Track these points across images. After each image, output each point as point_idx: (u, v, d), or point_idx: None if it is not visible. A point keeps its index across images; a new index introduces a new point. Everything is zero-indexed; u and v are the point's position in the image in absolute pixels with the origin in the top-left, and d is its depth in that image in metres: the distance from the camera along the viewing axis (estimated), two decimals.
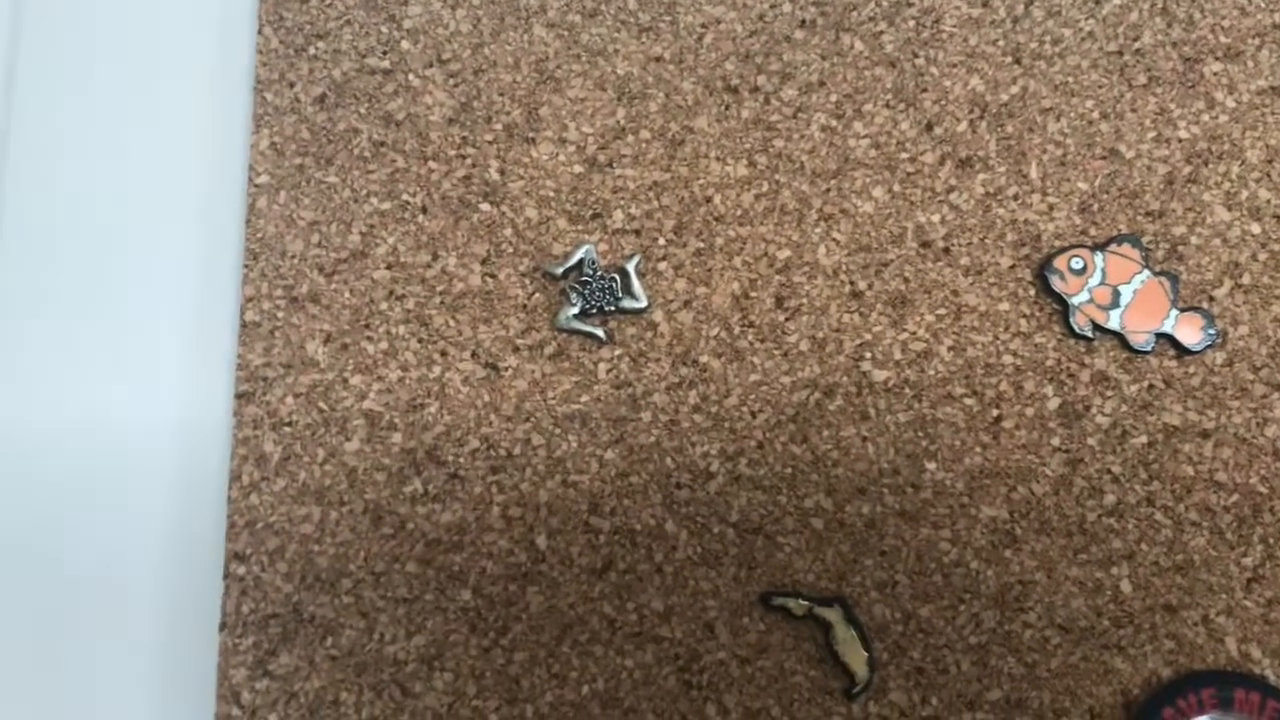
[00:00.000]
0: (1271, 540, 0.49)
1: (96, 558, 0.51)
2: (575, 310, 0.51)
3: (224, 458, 0.51)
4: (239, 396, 0.51)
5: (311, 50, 0.55)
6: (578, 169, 0.53)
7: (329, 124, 0.54)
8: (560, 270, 0.52)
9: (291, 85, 0.54)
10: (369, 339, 0.52)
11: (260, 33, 0.55)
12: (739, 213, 0.53)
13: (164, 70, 0.55)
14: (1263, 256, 0.52)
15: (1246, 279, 0.51)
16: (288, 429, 0.51)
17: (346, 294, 0.52)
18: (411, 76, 0.54)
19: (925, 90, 0.54)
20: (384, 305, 0.52)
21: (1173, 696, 0.47)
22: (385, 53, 0.55)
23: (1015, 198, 0.53)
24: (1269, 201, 0.52)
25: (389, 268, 0.53)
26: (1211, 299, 0.51)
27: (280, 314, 0.52)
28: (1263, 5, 0.54)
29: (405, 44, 0.55)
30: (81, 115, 0.55)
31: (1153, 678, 0.48)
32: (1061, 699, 0.48)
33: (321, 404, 0.51)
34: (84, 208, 0.54)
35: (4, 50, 0.55)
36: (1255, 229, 0.52)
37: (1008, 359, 0.51)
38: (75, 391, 0.52)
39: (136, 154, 0.55)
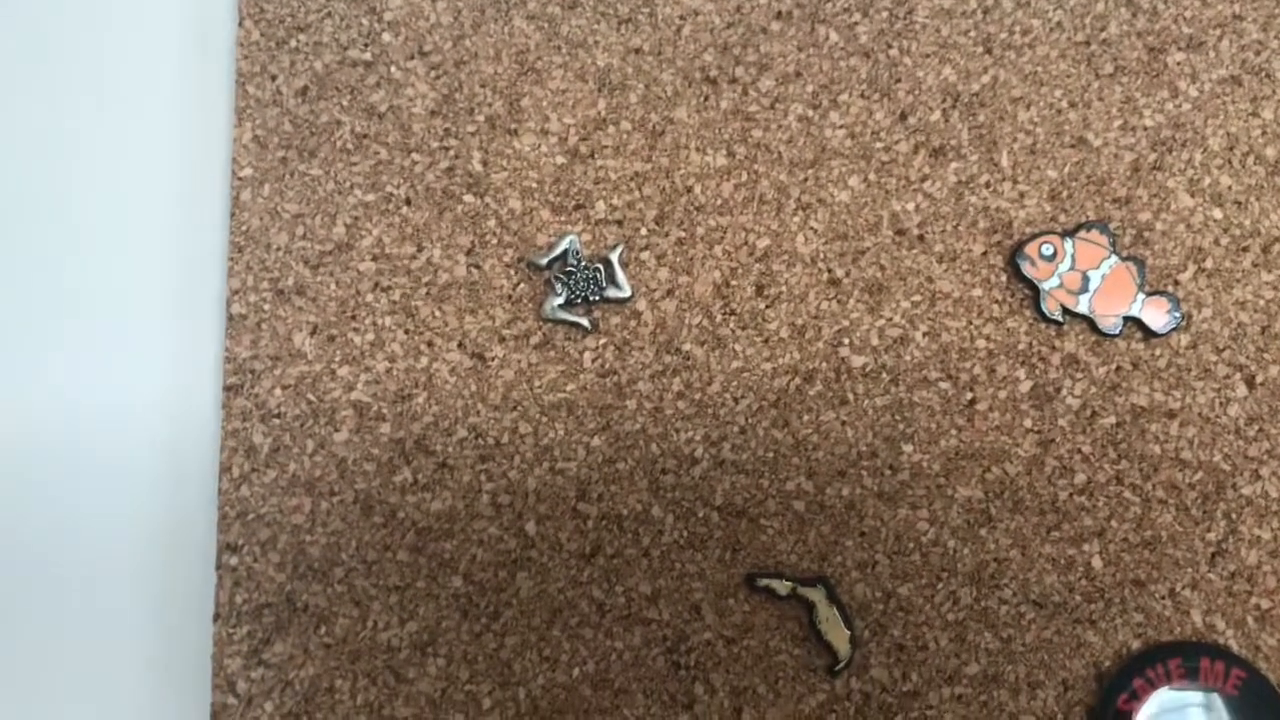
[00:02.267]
0: (1234, 516, 0.51)
1: (89, 551, 0.52)
2: (560, 300, 0.52)
3: (213, 450, 0.52)
4: (227, 389, 0.52)
5: (293, 43, 0.55)
6: (560, 160, 0.54)
7: (311, 116, 0.54)
8: (545, 261, 0.52)
9: (273, 78, 0.55)
10: (355, 330, 0.53)
11: (241, 25, 0.55)
12: (719, 202, 0.54)
13: (145, 64, 0.55)
14: (1225, 241, 0.53)
15: (1209, 263, 0.53)
16: (276, 420, 0.52)
17: (332, 286, 0.53)
18: (393, 69, 0.55)
19: (899, 80, 0.55)
20: (370, 297, 0.53)
21: (1142, 667, 0.49)
22: (367, 45, 0.55)
23: (987, 186, 0.54)
24: (1230, 188, 0.54)
25: (374, 259, 0.53)
26: (1176, 283, 0.53)
27: (266, 306, 0.53)
28: None
29: (386, 36, 0.55)
30: (63, 110, 0.55)
31: (1123, 650, 0.50)
32: (1036, 672, 0.50)
33: (310, 395, 0.52)
34: (67, 202, 0.54)
35: None
36: (1217, 214, 0.54)
37: (981, 343, 0.53)
38: (63, 386, 0.53)
39: (119, 148, 0.55)
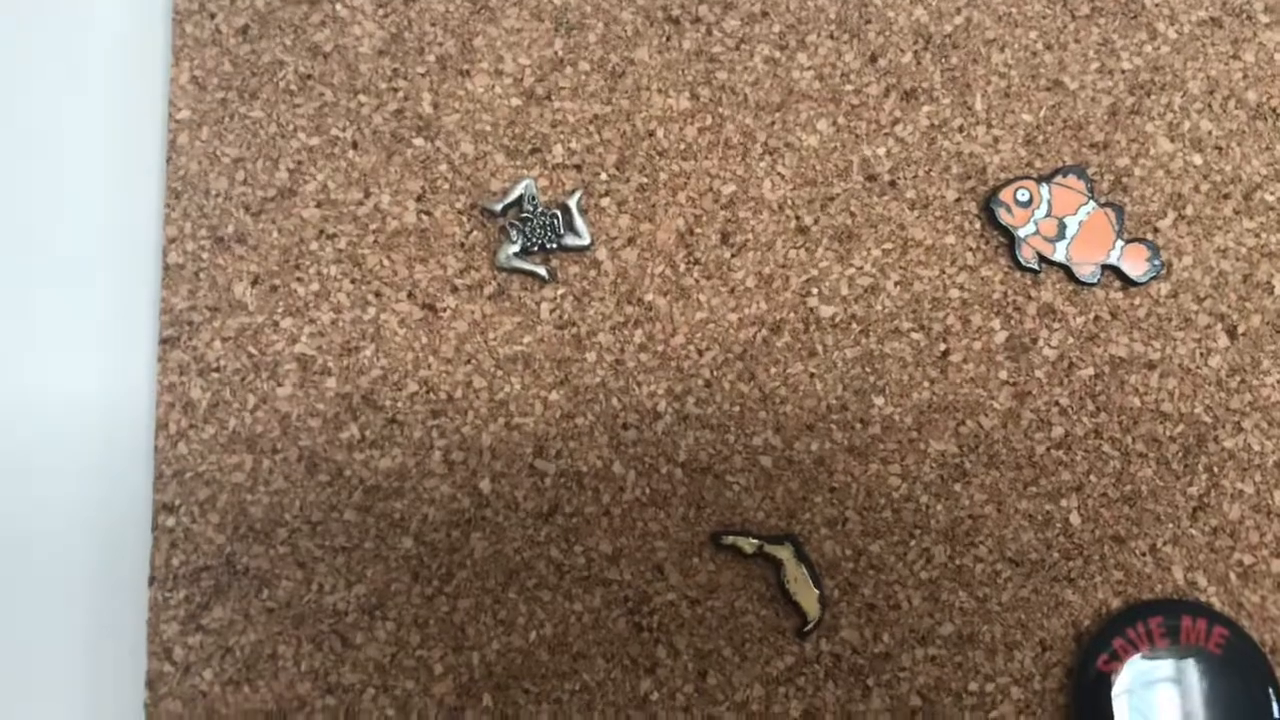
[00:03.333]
0: (1216, 469, 0.49)
1: (17, 512, 0.49)
2: (516, 248, 0.50)
3: (149, 405, 0.49)
4: (163, 342, 0.49)
5: None
6: (515, 102, 0.52)
7: (252, 56, 0.51)
8: (499, 207, 0.50)
9: (212, 16, 0.52)
10: (299, 280, 0.50)
11: None
12: (682, 147, 0.51)
13: (76, 3, 0.52)
14: (1205, 188, 0.51)
15: (1190, 210, 0.51)
16: (215, 375, 0.49)
17: (274, 233, 0.50)
18: (339, 6, 0.52)
19: (869, 21, 0.53)
20: (314, 245, 0.50)
21: (1122, 627, 0.48)
22: None
23: (960, 130, 0.52)
24: (1210, 133, 0.52)
25: (319, 206, 0.50)
26: (1156, 230, 0.51)
27: (205, 255, 0.50)
28: None
29: None
30: None
31: (1102, 608, 0.48)
32: (1013, 632, 0.48)
33: (251, 348, 0.49)
34: None
35: None
36: (1197, 160, 0.52)
37: (954, 293, 0.50)
38: None
39: (48, 89, 0.52)
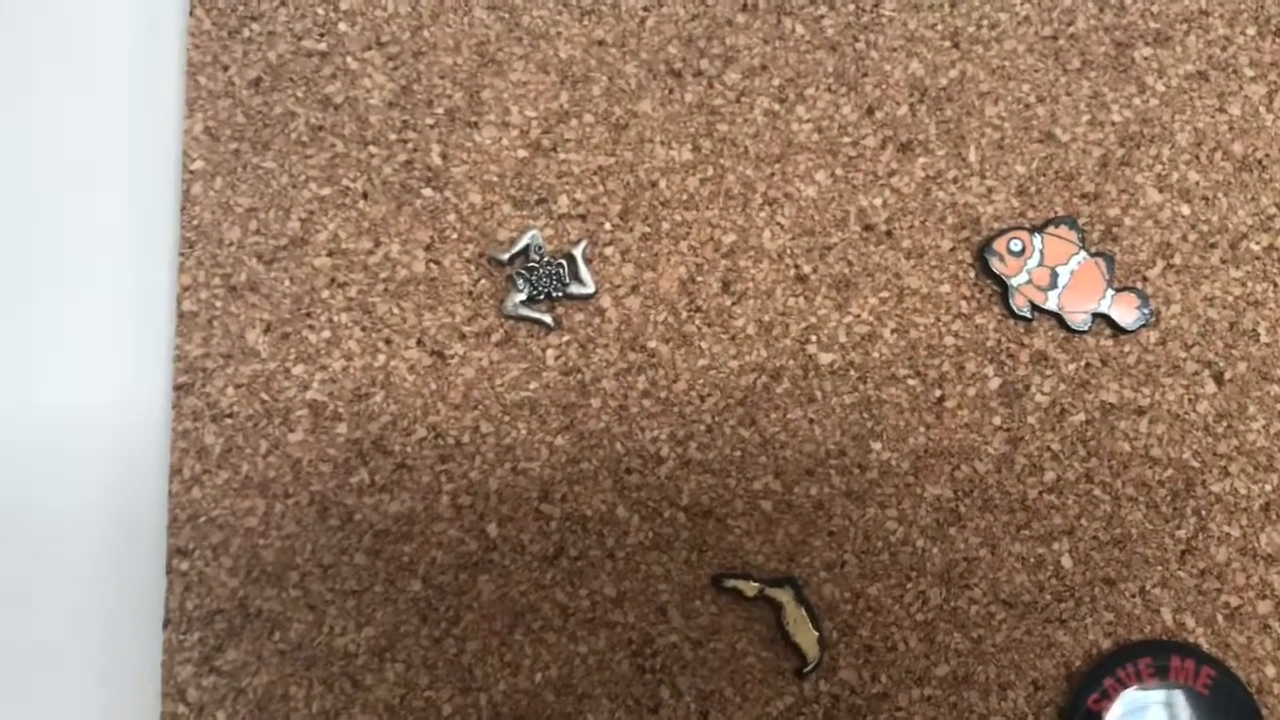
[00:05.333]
0: (1204, 513, 0.51)
1: (35, 556, 0.50)
2: (522, 296, 0.51)
3: (163, 451, 0.50)
4: (177, 388, 0.50)
5: (245, 32, 0.53)
6: (521, 153, 0.53)
7: (265, 108, 0.53)
8: (506, 256, 0.51)
9: (225, 68, 0.53)
10: (311, 328, 0.51)
11: (192, 14, 0.53)
12: (684, 197, 0.53)
13: (94, 53, 0.54)
14: (1193, 237, 0.53)
15: (1178, 259, 0.53)
16: (229, 420, 0.50)
17: (286, 282, 0.51)
18: (349, 59, 0.53)
19: (866, 74, 0.54)
20: (325, 293, 0.51)
21: (1112, 667, 0.49)
22: (322, 35, 0.53)
23: (955, 181, 0.53)
24: (1197, 183, 0.53)
25: (330, 254, 0.52)
26: (1145, 279, 0.53)
27: (219, 303, 0.51)
28: None
29: (342, 25, 0.54)
30: (8, 101, 0.53)
31: (1093, 649, 0.50)
32: (1007, 672, 0.49)
33: (263, 394, 0.50)
34: (13, 196, 0.52)
35: None
36: (1185, 210, 0.53)
37: (949, 340, 0.52)
38: (7, 384, 0.51)
39: (67, 140, 0.53)
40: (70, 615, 0.49)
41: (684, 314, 0.52)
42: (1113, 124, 0.54)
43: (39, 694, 0.49)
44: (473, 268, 0.52)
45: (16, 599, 0.49)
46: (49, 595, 0.49)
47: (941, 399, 0.51)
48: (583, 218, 0.52)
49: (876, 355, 0.52)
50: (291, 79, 0.53)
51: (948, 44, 0.54)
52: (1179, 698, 0.48)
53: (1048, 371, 0.52)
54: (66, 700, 0.49)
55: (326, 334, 0.51)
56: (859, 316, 0.52)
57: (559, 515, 0.50)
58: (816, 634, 0.49)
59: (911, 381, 0.51)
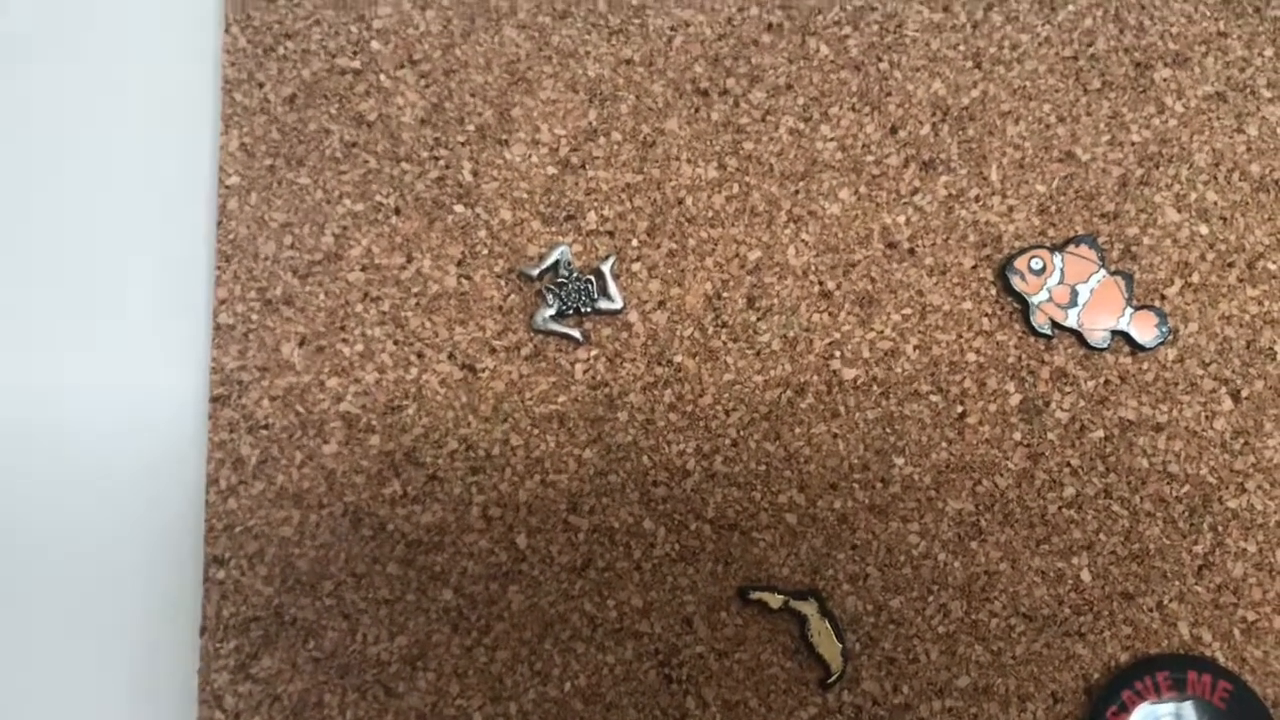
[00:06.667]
0: (1220, 529, 0.51)
1: (74, 564, 0.51)
2: (552, 311, 0.52)
3: (200, 462, 0.51)
4: (214, 400, 0.51)
5: (280, 50, 0.54)
6: (551, 170, 0.54)
7: (299, 124, 0.54)
8: (536, 272, 0.52)
9: (260, 85, 0.54)
10: (345, 341, 0.52)
11: (227, 31, 0.54)
12: (710, 214, 0.54)
13: (130, 70, 0.55)
14: (1210, 256, 0.54)
15: (1196, 278, 0.54)
16: (264, 432, 0.51)
17: (321, 296, 0.52)
18: (382, 77, 0.54)
19: (889, 94, 0.55)
20: (359, 307, 0.52)
21: (1130, 680, 0.50)
22: (355, 53, 0.54)
23: (976, 199, 0.54)
24: (1216, 203, 0.54)
25: (363, 269, 0.53)
26: (1163, 297, 0.53)
27: (254, 316, 0.52)
28: (1208, 13, 0.56)
29: (375, 44, 0.55)
30: (48, 118, 0.54)
31: (1111, 662, 0.50)
32: (1026, 685, 0.50)
33: (298, 407, 0.51)
34: (51, 211, 0.53)
35: None
36: (1203, 230, 0.54)
37: (971, 357, 0.53)
38: (47, 397, 0.52)
39: (104, 155, 0.54)
40: (109, 622, 0.50)
41: (710, 329, 0.53)
42: (1132, 144, 0.55)
43: (79, 699, 0.50)
44: (503, 283, 0.53)
45: (57, 606, 0.50)
46: (88, 603, 0.50)
47: (963, 415, 0.52)
48: (610, 234, 0.53)
49: (899, 371, 0.52)
50: (325, 96, 0.54)
51: (970, 64, 0.55)
52: (1196, 711, 0.49)
53: (1067, 388, 0.52)
54: (105, 706, 0.50)
55: (360, 347, 0.52)
56: (882, 333, 0.53)
57: (587, 527, 0.51)
58: (840, 645, 0.50)
59: (934, 397, 0.52)
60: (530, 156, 0.54)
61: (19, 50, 0.55)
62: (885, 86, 0.55)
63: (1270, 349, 0.53)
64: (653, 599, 0.51)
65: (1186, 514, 0.52)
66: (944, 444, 0.52)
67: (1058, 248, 0.53)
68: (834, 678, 0.50)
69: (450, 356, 0.52)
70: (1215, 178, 0.54)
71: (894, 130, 0.55)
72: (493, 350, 0.52)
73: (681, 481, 0.52)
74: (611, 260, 0.52)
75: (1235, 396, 0.53)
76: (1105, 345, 0.52)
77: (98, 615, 0.50)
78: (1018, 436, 0.52)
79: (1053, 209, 0.54)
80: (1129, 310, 0.53)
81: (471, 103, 0.54)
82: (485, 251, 0.53)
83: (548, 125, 0.54)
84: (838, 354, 0.53)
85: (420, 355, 0.52)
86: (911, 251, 0.54)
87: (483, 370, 0.52)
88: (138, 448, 0.52)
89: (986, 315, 0.53)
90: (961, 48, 0.55)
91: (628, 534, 0.51)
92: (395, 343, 0.52)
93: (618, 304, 0.52)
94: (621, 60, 0.55)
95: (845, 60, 0.55)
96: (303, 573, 0.50)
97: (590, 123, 0.54)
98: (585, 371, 0.52)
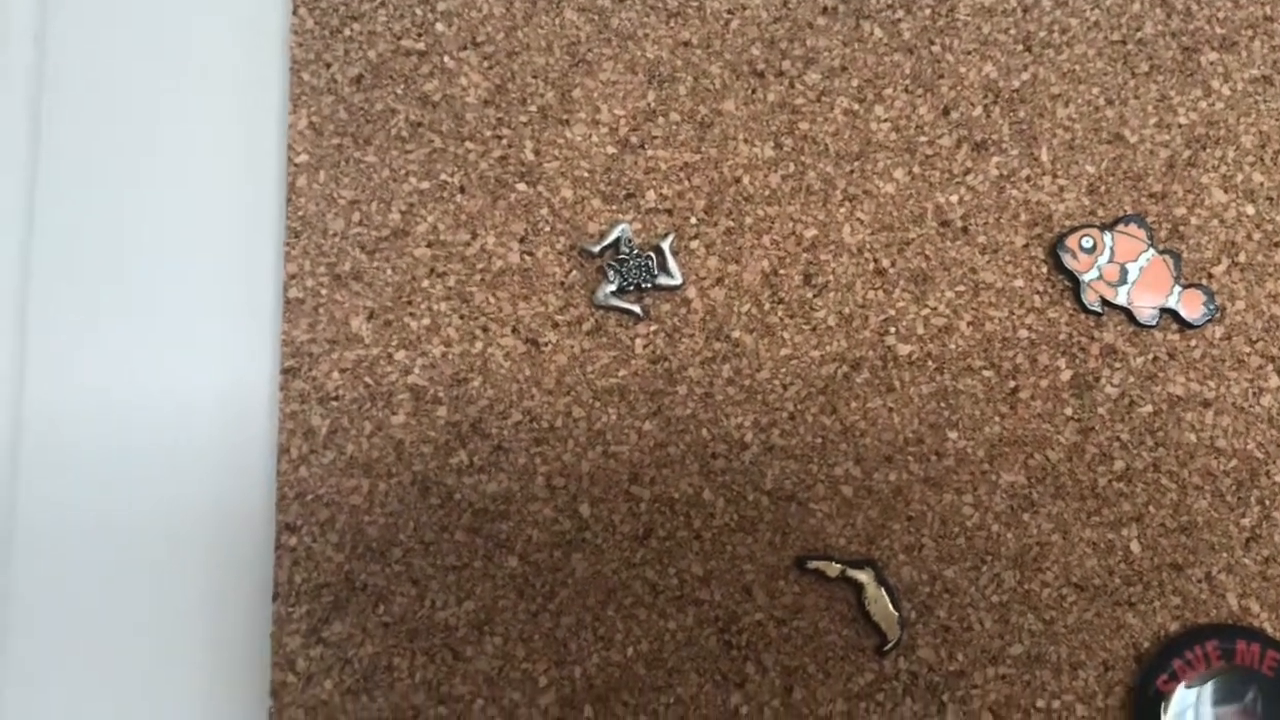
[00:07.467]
0: (1268, 502, 0.53)
1: (150, 532, 0.52)
2: (613, 287, 0.53)
3: (272, 432, 0.52)
4: (285, 372, 0.53)
5: (347, 31, 0.56)
6: (610, 150, 0.55)
7: (366, 104, 0.55)
8: (597, 249, 0.53)
9: (328, 65, 0.55)
10: (411, 315, 0.53)
11: (295, 13, 0.56)
12: (767, 193, 0.55)
13: (202, 53, 0.56)
14: (1257, 236, 0.55)
15: (1242, 257, 0.55)
16: (334, 403, 0.52)
17: (388, 271, 0.54)
18: (446, 58, 0.56)
19: (942, 76, 0.56)
20: (425, 282, 0.54)
21: (1180, 649, 0.51)
22: (420, 35, 0.56)
23: (1027, 180, 0.55)
24: (1262, 184, 0.55)
25: (429, 246, 0.54)
26: (1210, 276, 0.55)
27: (324, 291, 0.53)
28: None
29: (440, 26, 0.56)
30: (119, 101, 0.55)
31: (1161, 631, 0.52)
32: (1078, 653, 0.51)
33: (367, 379, 0.53)
34: (125, 190, 0.55)
35: (39, 35, 0.56)
36: (1250, 210, 0.55)
37: (1023, 333, 0.54)
38: (122, 370, 0.53)
39: (176, 135, 0.55)
40: (184, 589, 0.52)
41: (767, 305, 0.54)
42: (1179, 126, 0.56)
43: (155, 663, 0.51)
44: (564, 259, 0.54)
45: (135, 572, 0.52)
46: (164, 570, 0.52)
47: (1015, 390, 0.53)
48: (669, 212, 0.55)
49: (953, 347, 0.54)
50: (391, 77, 0.55)
51: (1020, 48, 0.56)
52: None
53: (1117, 364, 0.54)
54: (181, 669, 0.51)
55: (426, 321, 0.53)
56: (936, 309, 0.54)
57: (648, 497, 0.52)
58: (896, 614, 0.51)
59: (986, 373, 0.53)
60: (590, 136, 0.55)
61: (93, 36, 0.56)
62: (938, 69, 0.56)
63: None
64: (712, 567, 0.52)
65: (1234, 488, 0.53)
66: (997, 418, 0.53)
67: (1107, 227, 0.54)
68: (890, 645, 0.51)
69: (514, 331, 0.53)
70: (1261, 159, 0.56)
71: (946, 112, 0.56)
72: (555, 325, 0.53)
73: (740, 454, 0.53)
74: (670, 238, 0.54)
75: None
76: (1154, 322, 0.54)
77: (174, 581, 0.52)
78: (1069, 411, 0.53)
79: (1102, 189, 0.55)
80: (1177, 288, 0.54)
81: (533, 84, 0.55)
82: (547, 229, 0.54)
83: (607, 106, 0.55)
84: (893, 330, 0.54)
85: (485, 329, 0.53)
86: (964, 230, 0.55)
87: (545, 344, 0.53)
88: (212, 419, 0.53)
89: (1038, 292, 0.54)
90: (1012, 31, 0.56)
91: (688, 504, 0.52)
92: (461, 317, 0.53)
93: (677, 280, 0.53)
94: (680, 42, 0.56)
95: (898, 43, 0.56)
96: (372, 540, 0.51)
97: (649, 103, 0.55)
98: (645, 346, 0.53)
